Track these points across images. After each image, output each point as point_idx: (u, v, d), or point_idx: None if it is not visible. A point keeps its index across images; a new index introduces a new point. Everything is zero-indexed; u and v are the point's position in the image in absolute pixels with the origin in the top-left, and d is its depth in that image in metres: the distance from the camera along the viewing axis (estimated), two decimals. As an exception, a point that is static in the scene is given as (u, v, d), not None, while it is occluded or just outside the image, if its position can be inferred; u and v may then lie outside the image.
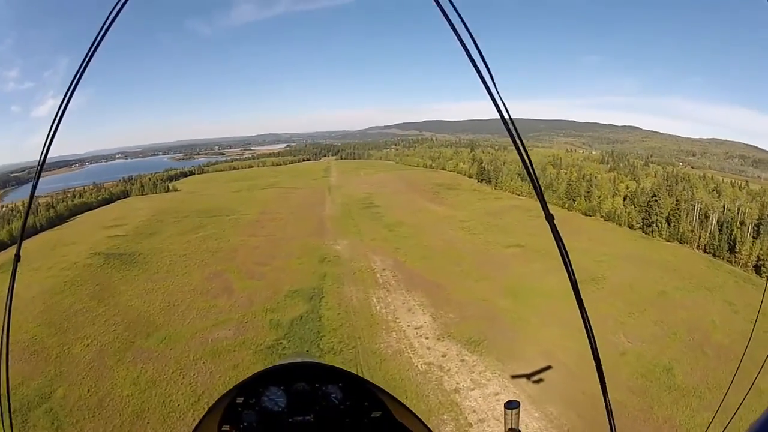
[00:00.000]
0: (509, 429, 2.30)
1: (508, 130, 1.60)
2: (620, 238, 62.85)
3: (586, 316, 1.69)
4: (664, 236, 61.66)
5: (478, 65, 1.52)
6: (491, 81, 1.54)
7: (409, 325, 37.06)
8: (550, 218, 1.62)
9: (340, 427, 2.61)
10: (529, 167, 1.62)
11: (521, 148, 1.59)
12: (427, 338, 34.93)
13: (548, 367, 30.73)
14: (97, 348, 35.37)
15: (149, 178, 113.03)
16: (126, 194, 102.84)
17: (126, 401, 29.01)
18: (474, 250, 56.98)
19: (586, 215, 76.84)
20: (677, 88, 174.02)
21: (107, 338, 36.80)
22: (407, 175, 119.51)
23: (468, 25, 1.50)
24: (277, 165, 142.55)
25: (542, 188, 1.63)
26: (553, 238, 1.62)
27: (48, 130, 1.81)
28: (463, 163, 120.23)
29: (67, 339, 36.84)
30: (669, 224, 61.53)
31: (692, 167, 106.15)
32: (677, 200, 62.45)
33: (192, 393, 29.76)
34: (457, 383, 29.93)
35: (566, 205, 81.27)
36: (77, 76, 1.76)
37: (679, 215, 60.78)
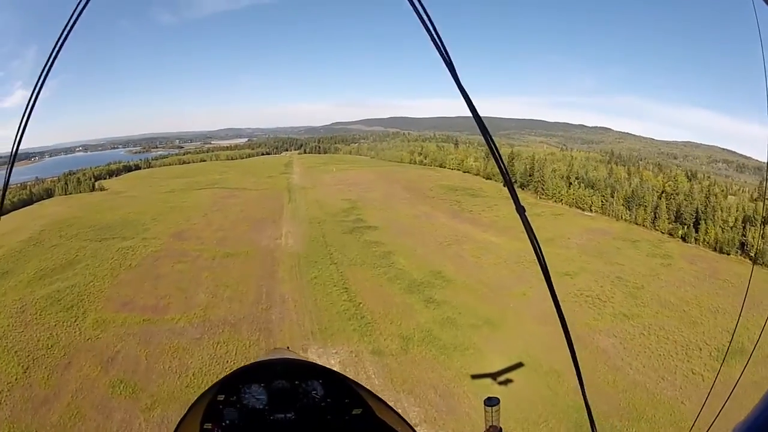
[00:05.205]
0: (490, 426, 2.24)
1: (479, 125, 1.57)
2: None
3: (560, 309, 1.67)
4: None
5: (448, 63, 1.53)
6: (457, 79, 1.54)
7: None
8: (521, 210, 1.61)
9: (321, 424, 2.60)
10: (498, 157, 1.62)
11: (491, 141, 1.60)
12: None
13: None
14: None
15: (83, 174, 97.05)
16: (50, 194, 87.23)
17: None
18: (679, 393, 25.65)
19: (720, 252, 51.27)
20: (633, 87, 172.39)
21: None
22: (395, 172, 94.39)
23: (435, 23, 1.51)
24: (231, 159, 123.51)
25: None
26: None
27: (19, 122, 1.72)
28: (474, 160, 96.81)
29: None
30: None
31: (688, 171, 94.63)
32: None
33: None
34: None
35: (680, 232, 55.26)
36: (47, 66, 1.68)
37: None
